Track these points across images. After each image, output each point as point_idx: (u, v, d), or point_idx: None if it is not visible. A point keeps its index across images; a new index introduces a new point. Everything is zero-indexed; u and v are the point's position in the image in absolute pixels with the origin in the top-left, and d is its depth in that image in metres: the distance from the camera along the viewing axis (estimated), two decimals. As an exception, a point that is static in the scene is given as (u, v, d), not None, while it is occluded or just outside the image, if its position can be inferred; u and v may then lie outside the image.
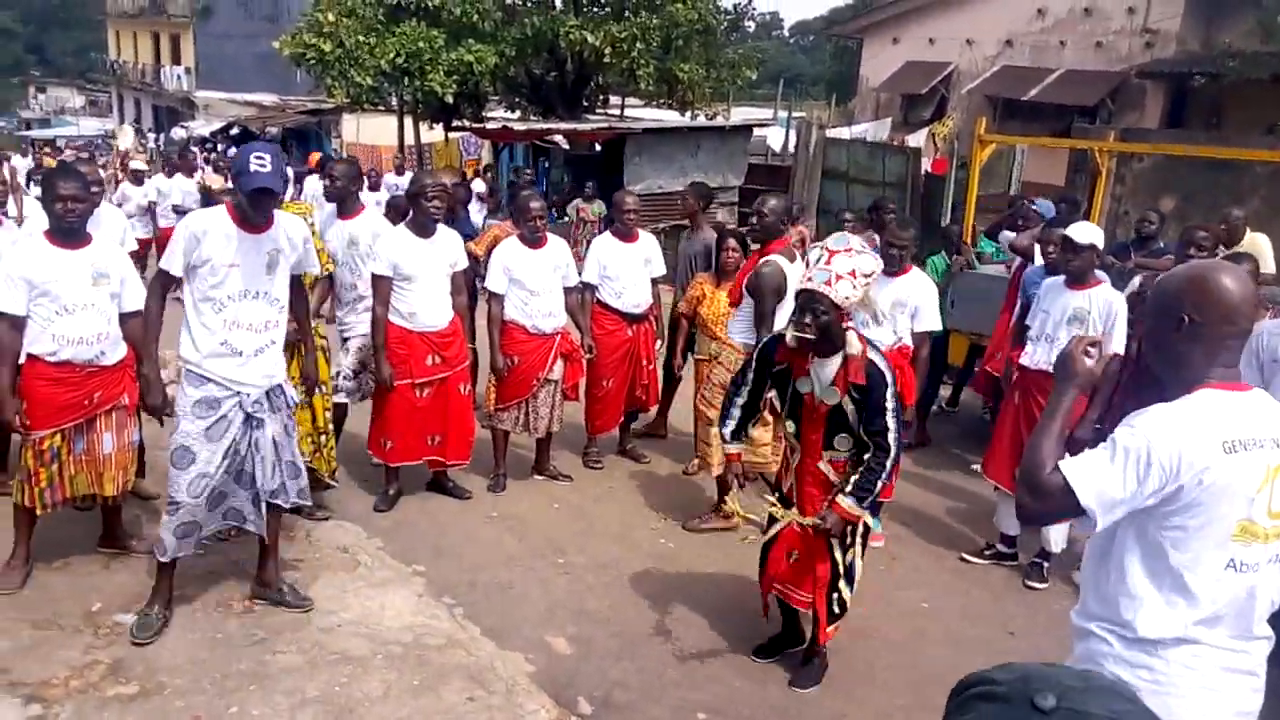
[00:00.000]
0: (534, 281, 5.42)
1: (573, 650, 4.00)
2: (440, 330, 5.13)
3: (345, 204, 5.40)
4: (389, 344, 5.03)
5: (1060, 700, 0.91)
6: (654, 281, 6.10)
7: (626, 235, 5.99)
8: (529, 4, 17.69)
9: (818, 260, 3.53)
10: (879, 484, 3.52)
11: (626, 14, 16.31)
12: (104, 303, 4.08)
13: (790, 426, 3.73)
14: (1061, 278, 4.83)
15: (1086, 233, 4.71)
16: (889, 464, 3.52)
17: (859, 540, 3.70)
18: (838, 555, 3.65)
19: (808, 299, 3.47)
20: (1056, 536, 4.83)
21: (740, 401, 3.84)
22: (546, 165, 18.26)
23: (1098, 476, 1.94)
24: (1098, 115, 16.08)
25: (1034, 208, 7.31)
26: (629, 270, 5.92)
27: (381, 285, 5.02)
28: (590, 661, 3.92)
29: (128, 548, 4.52)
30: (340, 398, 5.35)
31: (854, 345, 3.48)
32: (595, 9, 16.77)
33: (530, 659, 3.90)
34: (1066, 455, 2.02)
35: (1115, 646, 2.02)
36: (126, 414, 4.29)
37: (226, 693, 3.52)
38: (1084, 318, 4.65)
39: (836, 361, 3.52)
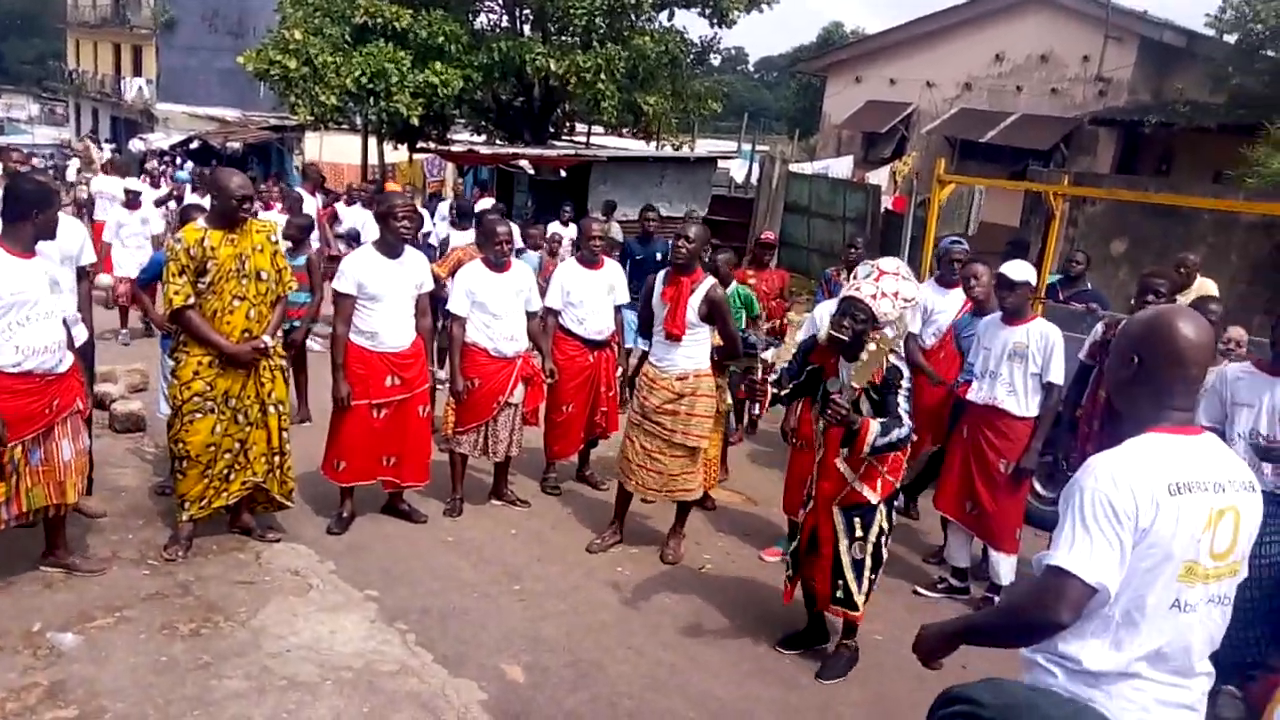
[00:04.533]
0: (497, 305, 5.41)
1: (527, 679, 3.95)
2: (401, 351, 5.08)
3: None
4: (348, 363, 4.99)
5: None
6: (617, 309, 6.12)
7: (591, 262, 6.01)
8: (497, 29, 17.78)
9: (868, 275, 3.88)
10: (896, 433, 3.72)
11: (594, 44, 16.44)
12: (59, 311, 4.07)
13: (820, 425, 3.98)
14: (999, 315, 4.94)
15: (1020, 271, 4.86)
16: (904, 431, 3.75)
17: (872, 536, 3.98)
18: (842, 545, 3.98)
19: (850, 305, 3.82)
20: (1006, 570, 4.90)
21: (790, 373, 4.16)
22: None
23: (1087, 552, 1.94)
24: (1052, 159, 16.47)
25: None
26: (593, 297, 5.93)
27: (344, 304, 4.99)
28: (545, 690, 3.87)
29: (70, 566, 4.39)
30: None
31: None
32: (564, 37, 16.88)
33: (484, 687, 3.84)
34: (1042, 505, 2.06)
35: (1060, 678, 2.05)
36: (80, 419, 4.27)
37: (170, 719, 3.42)
38: (1023, 352, 4.77)
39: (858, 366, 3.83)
